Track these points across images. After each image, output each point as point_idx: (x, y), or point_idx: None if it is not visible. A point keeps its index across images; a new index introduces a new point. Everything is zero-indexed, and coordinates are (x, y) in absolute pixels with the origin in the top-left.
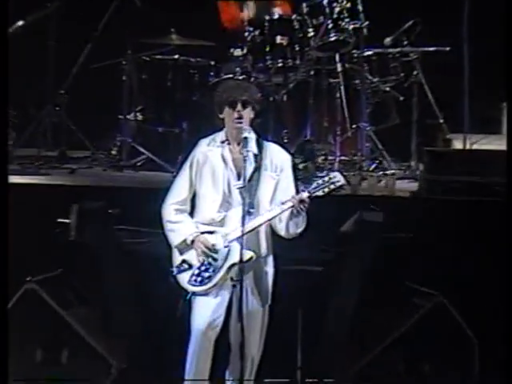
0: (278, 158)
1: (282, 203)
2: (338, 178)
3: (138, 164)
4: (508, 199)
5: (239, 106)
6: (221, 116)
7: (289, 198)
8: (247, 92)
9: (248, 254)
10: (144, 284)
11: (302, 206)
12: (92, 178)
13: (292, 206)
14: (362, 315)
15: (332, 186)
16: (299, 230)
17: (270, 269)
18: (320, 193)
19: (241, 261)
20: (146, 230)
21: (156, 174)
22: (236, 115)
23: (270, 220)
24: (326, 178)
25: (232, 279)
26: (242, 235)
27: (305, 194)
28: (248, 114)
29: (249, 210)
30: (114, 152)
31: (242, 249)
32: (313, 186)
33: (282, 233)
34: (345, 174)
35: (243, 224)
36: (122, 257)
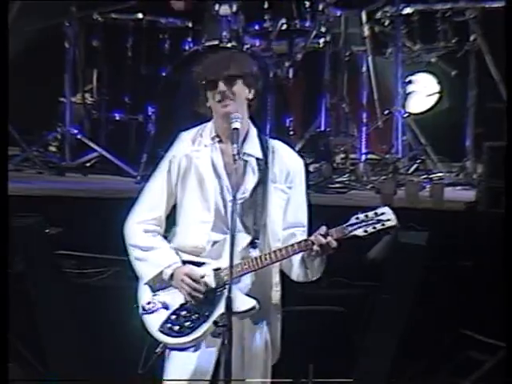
0: (289, 164)
1: (296, 243)
2: (387, 215)
3: (87, 165)
4: (508, 200)
5: (221, 85)
6: (208, 104)
7: (299, 220)
8: (233, 64)
9: (247, 303)
10: (98, 333)
11: (326, 251)
12: (22, 184)
13: (310, 249)
14: (400, 374)
15: (379, 226)
16: (314, 277)
17: (276, 316)
18: (360, 232)
19: (228, 309)
20: (99, 256)
21: (111, 179)
22: (218, 97)
23: (273, 263)
24: (371, 214)
25: (216, 323)
26: (232, 276)
27: (332, 236)
28: (239, 92)
29: (253, 240)
30: (52, 148)
31: (230, 292)
32: (350, 223)
33: (289, 274)
34: (374, 178)
35: (231, 257)
36: (66, 294)
